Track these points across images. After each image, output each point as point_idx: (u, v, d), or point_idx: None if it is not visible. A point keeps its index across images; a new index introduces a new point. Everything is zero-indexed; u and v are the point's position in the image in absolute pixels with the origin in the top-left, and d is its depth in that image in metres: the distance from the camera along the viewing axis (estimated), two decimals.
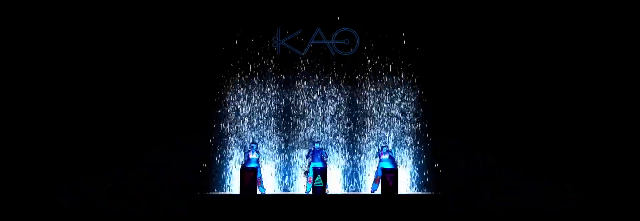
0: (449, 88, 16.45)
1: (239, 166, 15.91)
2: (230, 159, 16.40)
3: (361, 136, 16.61)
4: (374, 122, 16.64)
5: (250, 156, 15.76)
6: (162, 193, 15.83)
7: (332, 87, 16.65)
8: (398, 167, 15.88)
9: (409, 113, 16.62)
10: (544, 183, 16.01)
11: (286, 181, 16.52)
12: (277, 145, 16.55)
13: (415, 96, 16.63)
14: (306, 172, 15.77)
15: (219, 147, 16.40)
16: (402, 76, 16.62)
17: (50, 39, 15.99)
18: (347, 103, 16.68)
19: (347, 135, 16.64)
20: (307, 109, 16.64)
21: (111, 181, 15.71)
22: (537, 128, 16.19)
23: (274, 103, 16.60)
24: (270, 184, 16.31)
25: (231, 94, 16.53)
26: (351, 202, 15.42)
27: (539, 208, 15.76)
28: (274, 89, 16.62)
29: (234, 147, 16.44)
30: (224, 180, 16.35)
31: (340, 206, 15.27)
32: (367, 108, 16.66)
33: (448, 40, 16.46)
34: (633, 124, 16.03)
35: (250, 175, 15.43)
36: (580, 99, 16.22)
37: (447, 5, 16.46)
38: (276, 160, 16.49)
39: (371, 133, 16.59)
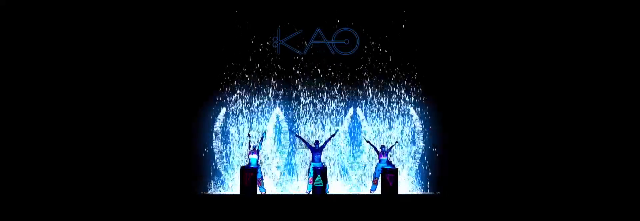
0: (449, 88, 16.45)
1: (239, 167, 15.93)
2: (230, 159, 16.40)
3: (361, 136, 16.63)
4: (374, 122, 16.65)
5: (250, 159, 15.75)
6: (161, 193, 15.82)
7: (332, 86, 16.67)
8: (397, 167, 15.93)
9: (409, 113, 16.63)
10: (544, 183, 16.01)
11: (286, 180, 16.54)
12: (276, 145, 16.57)
13: (415, 96, 16.64)
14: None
15: (219, 147, 16.40)
16: (402, 76, 16.63)
17: (50, 39, 15.99)
18: (347, 103, 16.70)
19: (348, 135, 16.66)
20: (307, 109, 16.66)
21: (111, 181, 15.70)
22: (537, 129, 16.18)
23: (274, 103, 16.62)
24: (270, 184, 16.35)
25: (231, 94, 16.53)
26: (351, 202, 15.42)
27: (539, 208, 15.76)
28: (274, 89, 16.63)
29: (234, 147, 16.45)
30: (224, 180, 16.36)
31: (340, 206, 15.27)
32: (367, 108, 16.68)
33: (448, 40, 16.47)
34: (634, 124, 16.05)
35: (250, 175, 15.45)
36: (579, 99, 16.20)
37: (447, 5, 16.46)
38: (276, 160, 16.51)
39: (371, 133, 16.60)
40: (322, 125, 16.67)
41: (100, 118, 15.95)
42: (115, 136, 15.93)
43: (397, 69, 16.65)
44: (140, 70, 16.12)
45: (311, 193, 15.67)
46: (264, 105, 16.62)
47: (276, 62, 16.59)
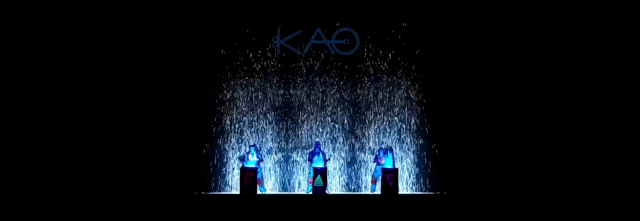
0: (449, 87, 16.45)
1: (239, 167, 15.92)
2: (230, 159, 16.41)
3: (361, 136, 16.63)
4: (374, 122, 16.65)
5: (250, 158, 15.77)
6: (162, 193, 15.82)
7: (333, 86, 16.66)
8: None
9: (409, 112, 16.64)
10: (544, 183, 16.01)
11: (286, 180, 16.56)
12: (277, 145, 16.57)
13: (415, 95, 16.64)
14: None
15: (219, 147, 16.41)
16: (402, 75, 16.64)
17: (50, 40, 15.98)
18: (347, 103, 16.69)
19: (347, 135, 16.65)
20: (307, 109, 16.65)
21: (111, 181, 15.69)
22: (538, 129, 16.17)
23: (275, 103, 16.62)
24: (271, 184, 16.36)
25: (231, 94, 16.54)
26: (351, 202, 15.41)
27: (539, 208, 15.75)
28: (274, 89, 16.62)
29: (234, 147, 16.45)
30: (224, 180, 16.36)
31: (340, 206, 15.26)
32: (367, 108, 16.68)
33: (448, 40, 16.47)
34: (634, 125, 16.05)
35: (250, 175, 15.44)
36: (580, 100, 16.20)
37: (447, 5, 16.46)
38: (276, 160, 16.52)
39: (371, 133, 16.61)
40: (322, 125, 16.67)
41: (101, 119, 15.94)
42: (115, 136, 15.92)
43: (397, 69, 16.65)
44: (140, 70, 16.12)
45: (311, 193, 15.67)
46: (264, 105, 16.63)
47: (276, 62, 16.59)
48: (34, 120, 15.76)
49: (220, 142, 16.47)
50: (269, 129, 16.57)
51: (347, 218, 15.07)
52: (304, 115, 16.66)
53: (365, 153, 16.59)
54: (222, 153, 16.45)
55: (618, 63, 16.15)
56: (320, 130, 16.63)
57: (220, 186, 16.37)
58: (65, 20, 15.95)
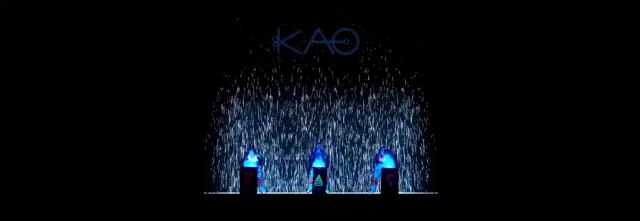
0: (449, 87, 16.45)
1: (239, 167, 15.93)
2: (230, 159, 16.41)
3: (361, 136, 16.64)
4: (374, 122, 16.66)
5: (250, 159, 15.78)
6: (162, 193, 15.82)
7: (333, 86, 16.68)
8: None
9: (409, 112, 16.65)
10: (544, 182, 16.01)
11: (287, 181, 16.56)
12: (276, 145, 16.58)
13: (415, 95, 16.67)
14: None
15: (219, 146, 16.42)
16: (402, 75, 16.66)
17: (50, 40, 15.98)
18: (347, 103, 16.70)
19: (348, 134, 16.66)
20: (307, 109, 16.67)
21: (111, 181, 15.69)
22: (538, 129, 16.17)
23: (275, 103, 16.63)
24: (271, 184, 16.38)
25: (231, 94, 16.55)
26: (351, 202, 15.42)
27: (539, 208, 15.75)
28: (274, 89, 16.64)
29: (234, 147, 16.46)
30: (224, 180, 16.36)
31: (340, 206, 15.27)
32: (367, 108, 16.70)
33: (448, 40, 16.48)
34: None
35: (250, 175, 15.45)
36: (580, 99, 16.20)
37: (447, 5, 16.48)
38: (277, 160, 16.53)
39: (371, 133, 16.62)
40: (322, 124, 16.68)
41: (101, 119, 15.94)
42: (115, 136, 15.92)
43: (397, 69, 16.66)
44: (140, 71, 16.12)
45: (311, 193, 15.68)
46: (264, 105, 16.64)
47: (276, 62, 16.60)
48: (34, 121, 15.75)
49: (220, 141, 16.46)
50: (269, 129, 16.57)
51: (347, 218, 15.07)
52: (304, 115, 16.66)
53: (364, 153, 16.59)
54: (222, 153, 16.44)
55: (620, 64, 16.16)
56: (320, 130, 16.64)
57: (220, 187, 16.37)
58: (64, 20, 15.94)
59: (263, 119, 16.61)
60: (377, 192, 15.93)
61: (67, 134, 15.82)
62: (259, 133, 16.54)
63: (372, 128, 16.67)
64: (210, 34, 16.36)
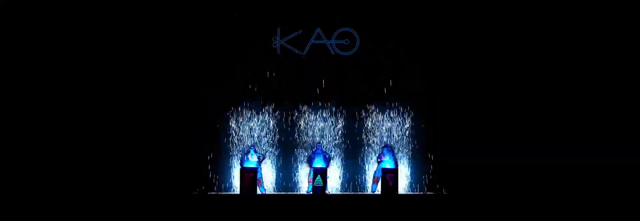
0: (449, 87, 16.44)
1: (239, 167, 15.92)
2: (230, 159, 16.41)
3: (362, 136, 16.64)
4: (375, 122, 16.66)
5: (250, 159, 15.78)
6: (162, 193, 15.82)
7: (332, 86, 16.68)
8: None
9: (409, 112, 16.65)
10: (544, 183, 16.01)
11: (287, 181, 16.55)
12: (277, 145, 16.58)
13: (415, 95, 16.66)
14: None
15: (219, 146, 16.41)
16: (402, 75, 16.65)
17: (50, 40, 15.99)
18: (348, 103, 16.70)
19: (348, 134, 16.66)
20: (307, 109, 16.66)
21: (111, 181, 15.69)
22: (538, 129, 16.17)
23: (275, 104, 16.63)
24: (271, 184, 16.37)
25: (231, 94, 16.54)
26: (351, 202, 15.42)
27: (539, 208, 15.75)
28: (275, 89, 16.63)
29: (234, 147, 16.46)
30: (224, 180, 16.36)
31: (340, 206, 15.27)
32: (367, 108, 16.69)
33: (448, 40, 16.47)
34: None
35: (250, 175, 15.45)
36: (581, 99, 16.20)
37: (447, 5, 16.47)
38: (277, 160, 16.53)
39: (371, 133, 16.60)
40: (322, 124, 16.67)
41: (101, 119, 15.95)
42: (115, 136, 15.92)
43: (396, 68, 16.65)
44: (141, 71, 16.12)
45: (311, 193, 15.68)
46: (264, 105, 16.63)
47: (276, 62, 16.60)
48: (34, 121, 15.76)
49: (220, 141, 16.46)
50: (269, 129, 16.57)
51: (347, 218, 15.07)
52: (304, 116, 16.66)
53: (365, 153, 16.59)
54: (222, 153, 16.44)
55: (621, 63, 16.17)
56: (321, 130, 16.63)
57: (220, 187, 16.36)
58: (63, 20, 15.95)
59: (263, 119, 16.60)
60: (377, 192, 15.91)
61: (67, 134, 15.83)
62: (259, 133, 16.53)
63: (372, 128, 16.66)
64: (210, 33, 16.36)
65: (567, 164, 16.02)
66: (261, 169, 15.97)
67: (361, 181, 16.50)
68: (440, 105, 16.47)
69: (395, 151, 16.37)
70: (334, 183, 16.38)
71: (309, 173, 15.97)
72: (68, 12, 16.00)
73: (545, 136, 16.12)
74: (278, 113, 16.64)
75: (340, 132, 16.62)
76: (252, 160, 15.77)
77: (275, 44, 16.51)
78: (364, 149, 16.59)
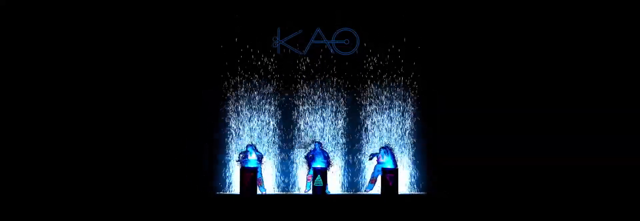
0: (449, 87, 16.43)
1: (239, 167, 15.91)
2: (230, 159, 16.40)
3: (362, 136, 16.62)
4: (375, 122, 16.65)
5: (249, 157, 15.77)
6: (161, 193, 15.82)
7: (333, 86, 16.66)
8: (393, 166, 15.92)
9: (409, 112, 16.64)
10: (544, 183, 16.00)
11: (287, 181, 16.54)
12: (277, 145, 16.57)
13: (415, 95, 16.64)
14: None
15: (219, 147, 16.40)
16: (402, 75, 16.64)
17: (49, 39, 15.98)
18: (348, 103, 16.68)
19: (348, 135, 16.65)
20: (307, 109, 16.65)
21: (110, 181, 15.69)
22: (538, 129, 16.15)
23: (275, 104, 16.61)
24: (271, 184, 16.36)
25: (231, 94, 16.53)
26: (351, 202, 15.41)
27: (539, 208, 15.75)
28: (274, 89, 16.62)
29: (233, 147, 16.45)
30: (224, 180, 16.35)
31: (340, 206, 15.27)
32: (367, 108, 16.68)
33: (448, 40, 16.45)
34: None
35: (250, 175, 15.45)
36: (581, 99, 16.19)
37: (447, 5, 16.46)
38: (277, 160, 16.51)
39: (371, 133, 16.59)
40: (323, 123, 16.66)
41: (99, 118, 15.94)
42: (115, 136, 15.91)
43: (396, 68, 16.64)
44: (139, 70, 16.11)
45: (311, 193, 15.67)
46: (264, 105, 16.62)
47: (276, 62, 16.58)
48: (33, 121, 15.75)
49: (219, 141, 16.45)
50: (269, 129, 16.56)
51: (347, 218, 15.08)
52: (304, 116, 16.65)
53: (365, 153, 16.57)
54: (222, 153, 16.43)
55: (621, 63, 16.16)
56: (321, 130, 16.62)
57: (220, 187, 16.35)
58: (63, 20, 15.94)
59: (263, 119, 16.59)
60: (377, 192, 15.90)
61: (67, 134, 15.82)
62: (259, 133, 16.52)
63: (371, 128, 16.65)
64: (210, 33, 16.35)
65: (567, 164, 16.01)
66: (262, 169, 15.95)
67: (361, 181, 16.49)
68: (440, 105, 16.46)
69: (395, 151, 16.35)
70: (334, 183, 16.37)
71: (309, 173, 15.96)
72: (68, 11, 15.99)
73: (545, 136, 16.12)
74: (278, 113, 16.63)
75: (340, 132, 16.62)
76: (251, 159, 15.76)
77: (275, 44, 16.51)
78: (364, 149, 16.58)
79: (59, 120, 15.85)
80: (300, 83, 16.62)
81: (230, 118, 16.52)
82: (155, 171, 15.92)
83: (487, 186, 16.03)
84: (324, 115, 16.66)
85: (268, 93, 16.61)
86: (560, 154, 16.07)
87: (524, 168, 16.06)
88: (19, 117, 15.75)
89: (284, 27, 16.49)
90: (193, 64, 16.26)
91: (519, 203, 15.70)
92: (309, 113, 16.66)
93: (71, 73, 15.97)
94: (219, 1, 16.41)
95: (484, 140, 16.20)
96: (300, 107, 16.65)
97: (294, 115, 16.63)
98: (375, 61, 16.65)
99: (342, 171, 16.57)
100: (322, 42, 16.53)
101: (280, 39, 16.50)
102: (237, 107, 16.57)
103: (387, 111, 16.67)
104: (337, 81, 16.66)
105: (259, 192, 15.72)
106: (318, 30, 16.51)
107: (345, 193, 16.35)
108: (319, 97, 16.66)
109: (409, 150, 16.58)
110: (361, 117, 16.65)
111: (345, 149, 16.60)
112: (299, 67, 16.63)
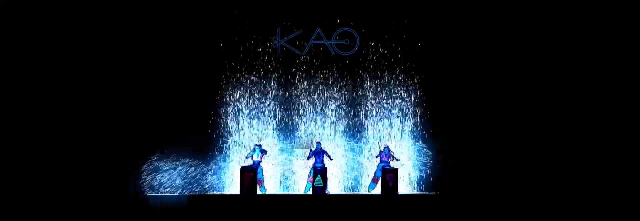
0: (449, 87, 16.44)
1: (239, 167, 15.92)
2: (230, 159, 16.41)
3: (362, 136, 16.63)
4: (375, 122, 16.66)
5: (255, 158, 15.77)
6: (162, 193, 15.83)
7: (333, 86, 16.67)
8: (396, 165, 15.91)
9: (409, 112, 16.65)
10: (544, 183, 16.01)
11: (288, 181, 16.55)
12: (277, 145, 16.57)
13: (415, 95, 16.65)
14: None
15: (219, 146, 16.41)
16: (402, 75, 16.64)
17: (49, 39, 15.98)
18: (348, 103, 16.69)
19: (348, 135, 16.65)
20: (307, 109, 16.66)
21: (110, 181, 15.69)
22: (539, 129, 16.16)
23: (275, 103, 16.62)
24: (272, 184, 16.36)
25: (231, 94, 16.54)
26: (351, 202, 15.42)
27: (539, 208, 15.76)
28: (274, 89, 16.63)
29: (234, 147, 16.46)
30: (224, 180, 16.36)
31: (340, 206, 15.28)
32: (367, 108, 16.68)
33: (448, 40, 16.46)
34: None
35: (250, 175, 15.45)
36: (580, 99, 16.20)
37: (447, 5, 16.46)
38: (277, 160, 16.52)
39: (371, 133, 16.61)
40: (323, 123, 16.67)
41: (100, 118, 15.95)
42: (115, 135, 15.92)
43: (397, 68, 16.65)
44: (140, 70, 16.12)
45: (311, 193, 15.67)
46: (264, 105, 16.63)
47: (276, 62, 16.59)
48: (33, 121, 15.77)
49: (220, 141, 16.46)
50: (269, 129, 16.57)
51: (347, 218, 15.08)
52: (304, 115, 16.65)
53: (365, 153, 16.59)
54: (222, 153, 16.44)
55: (622, 63, 16.17)
56: (321, 130, 16.63)
57: (219, 187, 16.36)
58: (63, 20, 15.96)
59: (263, 119, 16.60)
60: (377, 192, 15.90)
61: (67, 134, 15.83)
62: (259, 133, 16.52)
63: (371, 128, 16.66)
64: (210, 33, 16.35)
65: (567, 164, 16.01)
66: (262, 169, 15.95)
67: (361, 181, 16.50)
68: (440, 105, 16.46)
69: (395, 151, 16.36)
70: (334, 183, 16.38)
71: (309, 173, 15.96)
72: (68, 11, 16.00)
73: (545, 136, 16.12)
74: (278, 113, 16.64)
75: (340, 132, 16.63)
76: (257, 159, 15.76)
77: (275, 44, 16.51)
78: (364, 149, 16.59)
79: (62, 120, 15.87)
80: (300, 82, 16.65)
81: (230, 119, 16.55)
82: (154, 170, 15.93)
83: (487, 186, 16.03)
84: (323, 115, 16.67)
85: (268, 93, 16.62)
86: (560, 154, 16.07)
87: (524, 168, 16.06)
88: (18, 116, 15.77)
89: (284, 27, 16.50)
90: (193, 64, 16.27)
91: (519, 203, 15.71)
92: (309, 113, 16.69)
93: (71, 73, 15.98)
94: (218, 1, 16.42)
95: (484, 140, 16.20)
96: (301, 107, 16.67)
97: (294, 115, 16.66)
98: (375, 61, 16.68)
99: (342, 171, 16.59)
100: (322, 42, 16.54)
101: (280, 39, 16.50)
102: (236, 107, 16.59)
103: (388, 111, 16.69)
104: (337, 81, 16.68)
105: (259, 192, 15.72)
106: (318, 30, 16.52)
107: (345, 193, 16.36)
108: (318, 97, 16.68)
109: (409, 150, 16.60)
110: (361, 117, 16.67)
111: (345, 149, 16.63)
112: (299, 66, 16.66)
